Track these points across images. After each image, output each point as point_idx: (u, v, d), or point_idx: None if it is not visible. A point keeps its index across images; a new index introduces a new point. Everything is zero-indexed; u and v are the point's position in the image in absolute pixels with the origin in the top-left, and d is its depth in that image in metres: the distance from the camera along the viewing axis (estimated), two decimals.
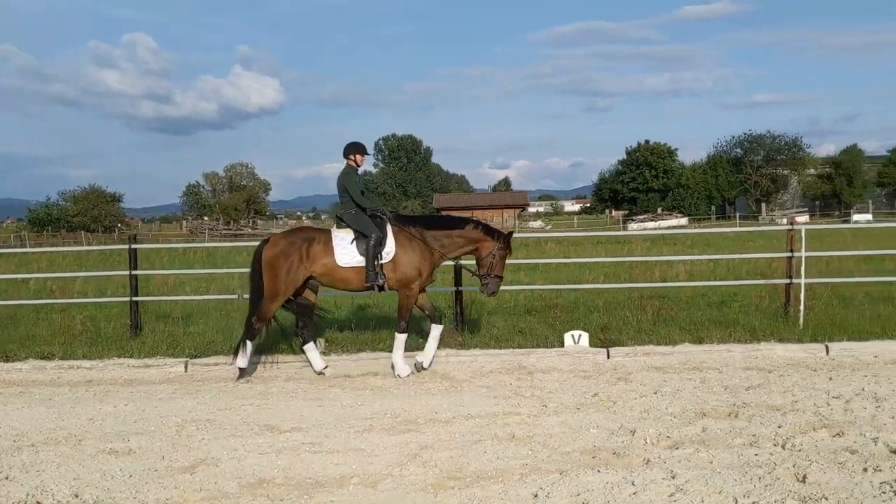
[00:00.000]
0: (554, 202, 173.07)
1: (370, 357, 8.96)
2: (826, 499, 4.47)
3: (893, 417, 6.15)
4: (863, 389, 7.09)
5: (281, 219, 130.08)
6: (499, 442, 5.81)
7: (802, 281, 9.80)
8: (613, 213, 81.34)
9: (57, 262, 25.51)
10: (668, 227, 52.26)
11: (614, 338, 9.39)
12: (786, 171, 76.99)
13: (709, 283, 12.37)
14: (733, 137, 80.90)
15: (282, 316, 9.00)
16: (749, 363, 8.44)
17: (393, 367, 8.37)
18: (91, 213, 72.89)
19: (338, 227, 8.49)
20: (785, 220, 52.73)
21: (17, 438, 6.34)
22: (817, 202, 73.62)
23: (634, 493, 4.68)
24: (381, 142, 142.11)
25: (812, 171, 77.30)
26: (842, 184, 72.98)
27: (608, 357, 8.89)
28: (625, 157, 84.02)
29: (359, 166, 8.67)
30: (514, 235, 8.69)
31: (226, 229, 60.61)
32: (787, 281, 10.03)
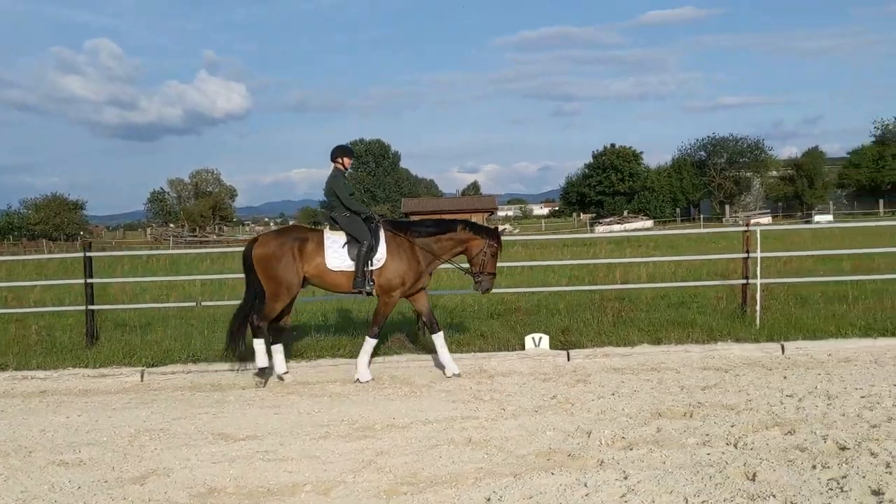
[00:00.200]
0: (523, 206, 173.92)
1: (329, 363, 8.90)
2: (774, 496, 4.52)
3: (844, 415, 6.24)
4: (815, 388, 7.20)
5: (248, 225, 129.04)
6: (455, 446, 5.80)
7: (758, 281, 9.93)
8: (582, 216, 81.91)
9: (16, 270, 25.07)
10: (633, 230, 52.74)
11: (575, 340, 9.44)
12: (748, 174, 78.16)
13: (668, 284, 12.49)
14: (697, 140, 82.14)
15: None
16: (706, 363, 8.52)
17: (356, 368, 8.29)
18: (53, 222, 71.79)
19: (331, 229, 8.43)
20: (749, 221, 53.48)
21: None
22: (780, 203, 74.82)
23: (587, 495, 4.70)
24: (348, 146, 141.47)
25: (774, 173, 78.55)
26: (803, 185, 74.28)
27: (568, 359, 8.92)
28: (591, 161, 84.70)
29: (346, 169, 8.63)
30: None
31: (191, 236, 59.94)
32: (744, 281, 10.15)
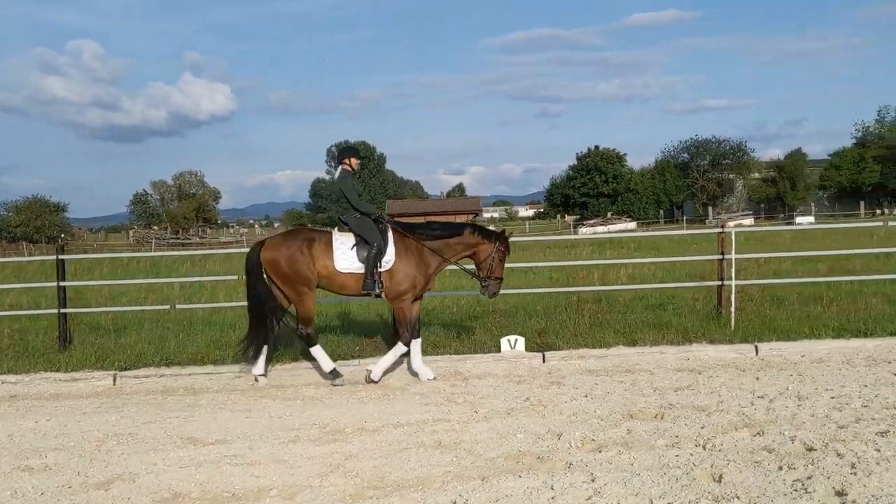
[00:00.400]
0: (508, 207, 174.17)
1: (305, 367, 8.84)
2: (738, 498, 4.52)
3: (813, 416, 6.27)
4: (787, 388, 7.23)
5: (232, 227, 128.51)
6: (424, 450, 5.77)
7: (733, 283, 9.97)
8: (566, 217, 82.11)
9: None
10: (616, 231, 52.95)
11: (551, 342, 9.43)
12: (731, 175, 78.59)
13: (643, 286, 12.50)
14: (680, 143, 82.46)
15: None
16: (680, 365, 8.54)
17: (417, 375, 8.29)
18: (34, 224, 71.09)
19: (339, 231, 8.39)
20: (731, 223, 53.62)
21: None
22: (762, 205, 75.26)
23: (553, 498, 4.69)
24: (333, 148, 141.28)
25: (756, 174, 79.03)
26: (785, 187, 74.75)
27: (544, 361, 8.92)
28: (576, 163, 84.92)
29: (354, 170, 8.57)
30: None
31: (173, 238, 59.60)
32: (719, 283, 10.19)
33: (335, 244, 8.16)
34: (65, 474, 5.60)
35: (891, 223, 13.08)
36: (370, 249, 8.04)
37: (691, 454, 5.40)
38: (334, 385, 8.13)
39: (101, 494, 5.13)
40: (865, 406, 6.50)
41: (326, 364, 8.26)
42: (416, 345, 8.36)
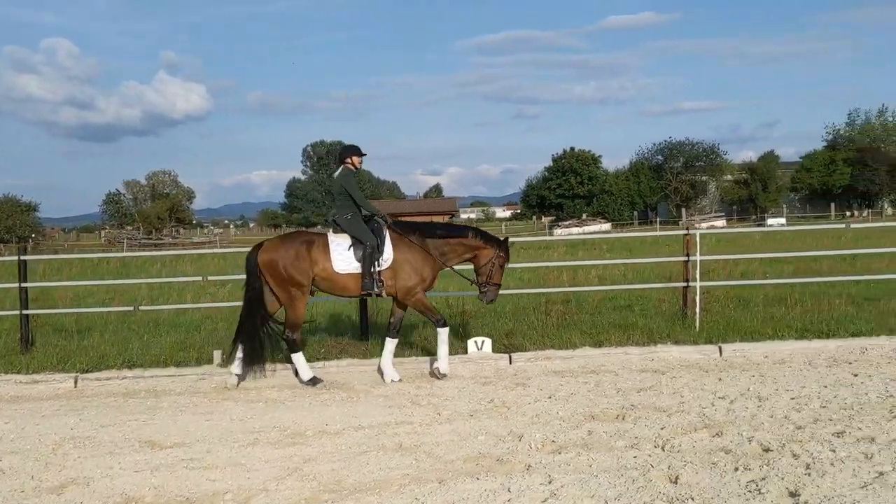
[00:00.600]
0: (485, 208, 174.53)
1: (268, 369, 8.72)
2: (692, 499, 4.54)
3: (772, 416, 6.33)
4: (748, 389, 7.28)
5: (207, 227, 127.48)
6: (384, 452, 5.74)
7: (698, 284, 10.04)
8: (543, 218, 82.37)
9: None
10: (591, 233, 53.24)
11: (518, 343, 9.44)
12: (704, 177, 79.27)
13: (612, 287, 12.57)
14: (654, 145, 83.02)
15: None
16: (645, 365, 8.58)
17: (439, 367, 8.30)
18: (5, 224, 70.06)
19: (334, 232, 8.33)
20: (703, 225, 53.92)
21: None
22: (734, 207, 76.02)
23: (509, 500, 4.68)
24: (309, 148, 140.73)
25: (729, 176, 79.78)
26: (757, 189, 75.51)
27: (510, 363, 8.92)
28: (551, 164, 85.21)
29: (356, 168, 8.54)
30: None
31: (146, 239, 58.96)
32: (684, 284, 10.25)
33: (331, 246, 8.13)
34: (18, 478, 5.50)
35: (853, 225, 13.30)
36: (364, 248, 8.02)
37: (649, 455, 5.42)
38: (317, 389, 8.04)
39: (54, 499, 5.05)
40: (824, 407, 6.57)
41: (305, 373, 8.20)
42: (391, 344, 8.35)
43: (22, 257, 10.07)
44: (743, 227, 54.49)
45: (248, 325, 8.23)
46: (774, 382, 7.53)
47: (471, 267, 8.66)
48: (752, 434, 5.80)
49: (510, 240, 8.72)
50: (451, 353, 9.10)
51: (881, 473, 4.85)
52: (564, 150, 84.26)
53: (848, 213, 68.84)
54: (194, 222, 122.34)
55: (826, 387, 7.27)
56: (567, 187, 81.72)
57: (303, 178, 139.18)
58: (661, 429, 6.07)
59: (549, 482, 4.92)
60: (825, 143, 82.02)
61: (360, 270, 8.04)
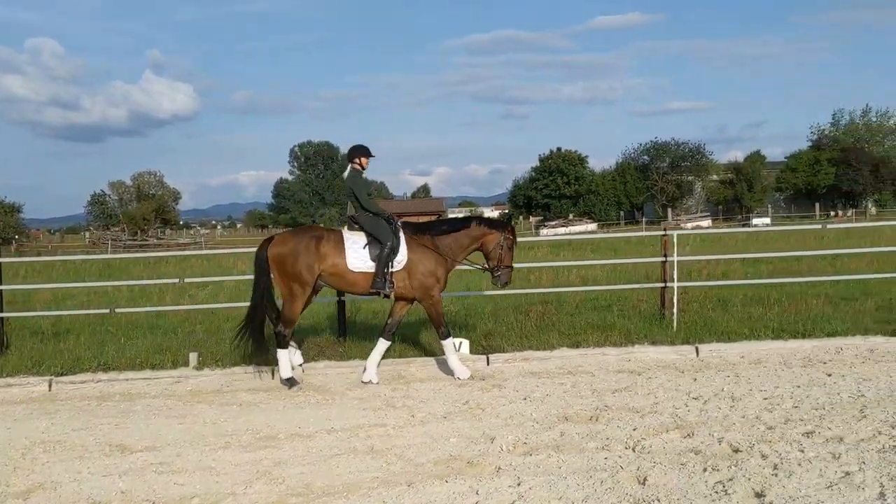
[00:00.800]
0: (473, 208, 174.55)
1: (244, 371, 8.74)
2: (659, 500, 4.55)
3: (744, 417, 6.35)
4: (722, 390, 7.30)
5: (194, 228, 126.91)
6: (355, 455, 5.72)
7: (675, 284, 10.07)
8: (531, 218, 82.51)
9: None
10: (577, 233, 53.37)
11: (496, 344, 9.44)
12: (690, 177, 79.66)
13: (592, 287, 12.54)
14: (640, 145, 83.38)
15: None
16: (621, 366, 8.59)
17: (452, 372, 8.26)
18: None
19: (349, 229, 8.33)
20: (688, 225, 54.14)
21: None
22: (720, 207, 76.38)
23: (477, 503, 4.67)
24: (296, 149, 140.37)
25: (715, 176, 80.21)
26: (743, 189, 75.92)
27: (488, 364, 8.92)
28: (538, 165, 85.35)
29: (364, 169, 8.53)
30: None
31: (130, 240, 58.64)
32: (662, 285, 10.28)
33: (347, 243, 8.11)
34: None
35: (830, 226, 13.40)
36: (382, 249, 8.02)
37: (620, 456, 5.43)
38: (291, 391, 8.02)
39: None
40: (796, 407, 6.60)
41: (285, 371, 8.16)
42: (383, 345, 8.37)
43: None
44: (728, 227, 54.78)
45: (253, 322, 8.25)
46: (749, 383, 7.56)
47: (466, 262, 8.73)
48: (722, 435, 5.81)
49: (516, 224, 8.75)
50: (426, 356, 9.15)
51: (847, 473, 4.87)
52: (551, 151, 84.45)
53: (832, 213, 69.31)
54: (181, 223, 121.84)
55: (799, 387, 7.31)
56: (554, 187, 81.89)
57: (290, 178, 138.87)
58: (633, 430, 6.08)
59: (518, 484, 4.92)
60: (810, 144, 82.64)
61: (373, 269, 8.04)
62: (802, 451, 5.34)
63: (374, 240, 8.09)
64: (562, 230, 58.12)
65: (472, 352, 9.15)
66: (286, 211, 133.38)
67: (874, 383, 7.34)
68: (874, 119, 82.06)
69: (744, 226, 53.87)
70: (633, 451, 5.57)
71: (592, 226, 64.68)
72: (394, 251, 8.08)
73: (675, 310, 9.94)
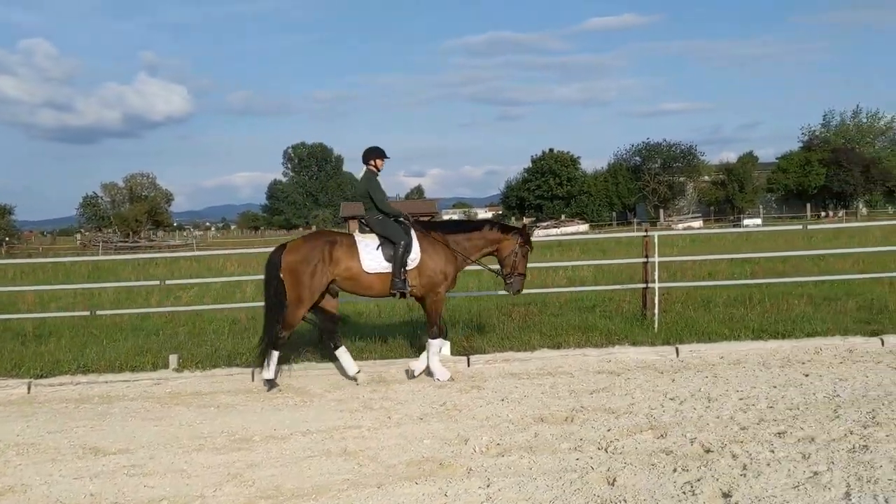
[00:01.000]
0: (467, 210, 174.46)
1: (224, 373, 8.73)
2: (626, 501, 4.57)
3: (718, 417, 6.36)
4: (699, 390, 7.32)
5: (187, 229, 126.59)
6: (328, 457, 5.72)
7: (656, 285, 10.09)
8: (524, 219, 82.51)
9: None
10: (569, 234, 53.40)
11: (477, 345, 9.43)
12: (682, 178, 79.85)
13: (575, 288, 12.53)
14: (632, 146, 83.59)
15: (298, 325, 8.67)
16: (601, 367, 8.60)
17: (431, 373, 8.26)
18: None
19: (361, 232, 8.34)
20: (680, 225, 54.15)
21: None
22: (712, 207, 76.58)
23: None
24: (290, 150, 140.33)
25: (706, 177, 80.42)
26: (734, 190, 76.14)
27: (468, 365, 8.92)
28: (530, 166, 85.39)
29: (379, 170, 8.51)
30: None
31: (121, 242, 58.47)
32: (643, 286, 10.30)
33: (360, 246, 8.11)
34: None
35: (811, 226, 13.47)
36: (396, 248, 8.02)
37: (591, 457, 5.44)
38: (270, 393, 8.00)
39: None
40: (770, 407, 6.62)
41: (270, 372, 8.13)
42: (442, 345, 8.45)
43: None
44: (719, 227, 54.88)
45: (271, 329, 8.17)
46: (726, 383, 7.58)
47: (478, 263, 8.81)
48: (695, 435, 5.83)
49: (533, 232, 8.76)
50: (408, 357, 9.12)
51: (815, 473, 4.90)
52: (543, 152, 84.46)
53: (823, 214, 69.54)
54: (175, 225, 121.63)
55: (776, 387, 7.33)
56: (546, 188, 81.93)
57: (284, 179, 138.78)
58: (608, 430, 6.09)
59: (488, 485, 4.93)
60: (801, 145, 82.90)
61: (388, 270, 8.05)
62: (773, 452, 5.36)
63: (386, 240, 8.11)
64: (553, 231, 58.17)
65: (452, 353, 9.14)
66: (280, 212, 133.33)
67: (850, 383, 7.37)
68: (864, 120, 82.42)
69: (735, 226, 53.98)
70: (606, 451, 5.58)
71: (584, 227, 64.74)
72: (407, 249, 8.09)
73: (656, 310, 9.96)
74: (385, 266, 8.05)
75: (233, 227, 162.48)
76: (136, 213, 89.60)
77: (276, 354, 8.16)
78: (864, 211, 73.05)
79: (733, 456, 5.30)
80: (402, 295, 8.21)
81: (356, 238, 8.23)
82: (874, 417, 6.12)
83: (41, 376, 8.82)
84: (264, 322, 8.33)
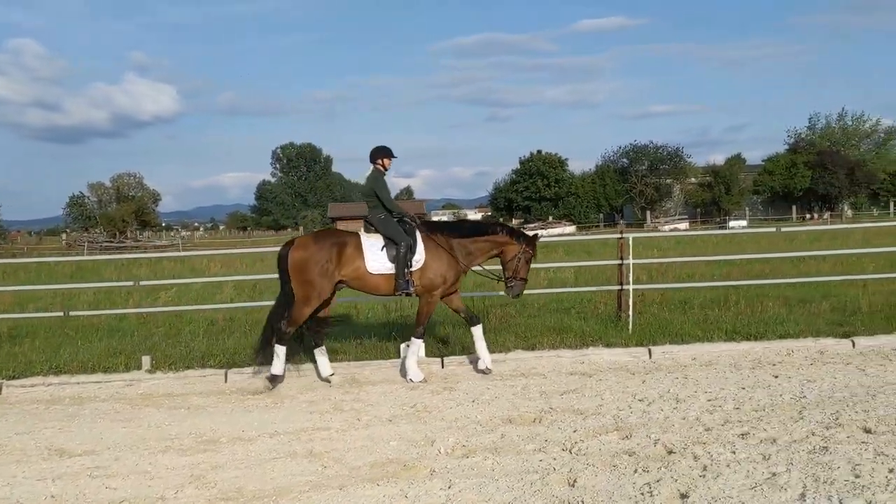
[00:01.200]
0: (456, 211, 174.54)
1: (198, 374, 8.71)
2: (583, 502, 4.59)
3: (685, 418, 6.40)
4: (668, 391, 7.36)
5: (175, 229, 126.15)
6: (293, 459, 5.72)
7: (631, 287, 10.14)
8: (512, 221, 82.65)
9: None
10: (556, 235, 53.53)
11: (452, 347, 9.45)
12: (669, 180, 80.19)
13: (552, 290, 12.54)
14: (620, 148, 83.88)
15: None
16: (574, 368, 8.63)
17: (405, 373, 8.28)
18: None
19: (366, 232, 8.34)
20: (666, 227, 54.41)
21: None
22: (698, 209, 76.95)
23: None
24: (278, 150, 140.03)
25: (693, 179, 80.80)
26: (720, 192, 76.53)
27: (442, 367, 8.93)
28: (519, 167, 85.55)
29: (386, 170, 8.53)
30: None
31: (107, 242, 58.18)
32: (619, 287, 10.35)
33: (365, 246, 8.13)
34: None
35: (783, 229, 13.60)
36: (398, 249, 8.03)
37: (555, 458, 5.47)
38: (265, 389, 8.06)
39: None
40: (737, 408, 6.66)
41: (278, 368, 8.15)
42: (478, 330, 8.45)
43: None
44: (705, 229, 55.14)
45: (276, 323, 8.18)
46: (696, 384, 7.62)
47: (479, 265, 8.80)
48: (659, 436, 5.86)
49: (540, 239, 8.80)
50: (382, 358, 9.14)
51: (774, 474, 4.94)
52: (532, 153, 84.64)
53: (808, 216, 69.98)
54: (163, 225, 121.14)
55: (744, 388, 7.37)
56: (534, 190, 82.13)
57: (272, 180, 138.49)
58: (574, 432, 6.12)
59: (449, 487, 4.95)
60: (787, 147, 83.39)
61: (392, 271, 8.06)
62: (734, 453, 5.40)
63: (389, 241, 8.13)
64: (542, 232, 58.34)
65: (426, 354, 9.15)
66: (268, 213, 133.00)
67: (818, 385, 7.42)
68: (850, 123, 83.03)
69: (721, 228, 54.26)
70: (570, 452, 5.61)
71: (571, 228, 64.93)
72: (411, 250, 8.10)
73: (630, 312, 10.00)
74: (389, 266, 8.09)
75: (221, 227, 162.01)
76: (122, 213, 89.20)
77: (283, 350, 8.16)
78: (849, 213, 73.55)
79: (695, 457, 5.34)
80: (409, 294, 8.25)
81: (362, 238, 8.26)
82: (837, 419, 6.17)
83: (13, 377, 8.77)
84: (269, 316, 8.36)
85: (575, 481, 4.96)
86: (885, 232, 25.77)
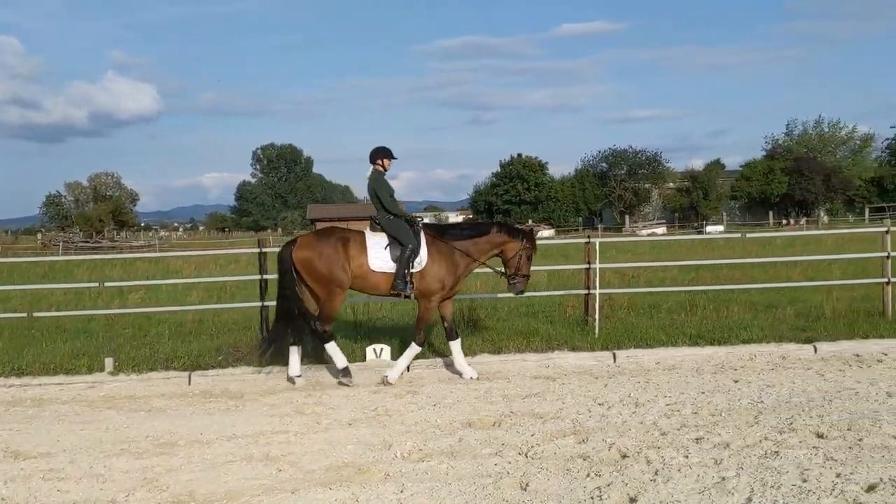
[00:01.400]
0: (438, 213, 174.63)
1: (161, 376, 8.66)
2: None
3: (642, 423, 6.45)
4: (629, 395, 7.42)
5: (154, 230, 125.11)
6: (249, 462, 5.70)
7: (597, 291, 10.21)
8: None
9: None
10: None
11: (421, 351, 9.43)
12: (647, 185, 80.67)
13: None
14: (599, 152, 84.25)
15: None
16: (539, 372, 8.68)
17: (392, 371, 8.37)
18: None
19: (371, 230, 8.35)
20: (644, 231, 54.76)
21: None
22: (676, 214, 77.46)
23: None
24: (259, 151, 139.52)
25: (671, 184, 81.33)
26: (698, 197, 77.05)
27: (408, 370, 8.91)
28: (499, 170, 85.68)
29: (386, 170, 8.55)
30: None
31: (83, 242, 57.64)
32: (585, 292, 10.41)
33: (369, 244, 8.17)
34: None
35: (749, 235, 13.78)
36: (404, 250, 8.07)
37: (509, 462, 5.50)
38: (341, 384, 8.18)
39: None
40: (695, 413, 6.73)
41: (340, 361, 8.25)
42: (456, 345, 8.50)
43: None
44: (681, 234, 55.57)
45: (283, 325, 8.28)
46: (657, 389, 7.68)
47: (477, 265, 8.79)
48: (615, 440, 5.91)
49: (538, 234, 8.85)
50: (349, 361, 9.09)
51: (723, 479, 5.00)
52: (512, 157, 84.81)
53: (785, 222, 70.67)
54: (142, 225, 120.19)
55: (704, 393, 7.45)
56: (514, 193, 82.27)
57: (252, 181, 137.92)
58: (531, 435, 6.15)
59: (401, 491, 4.96)
60: (764, 153, 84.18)
61: (394, 270, 8.08)
62: (687, 457, 5.46)
63: (395, 241, 8.17)
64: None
65: (393, 358, 9.15)
66: (248, 213, 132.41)
67: (776, 390, 7.51)
68: (826, 129, 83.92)
69: (698, 233, 54.67)
70: (526, 456, 5.64)
71: (550, 231, 65.14)
72: (415, 253, 8.14)
73: (597, 316, 10.07)
74: (391, 266, 8.14)
75: (201, 227, 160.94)
76: (99, 212, 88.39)
77: (333, 344, 8.27)
78: (825, 219, 74.36)
79: (647, 461, 5.39)
80: (406, 296, 8.29)
81: (366, 235, 8.31)
82: (791, 424, 6.26)
83: None
84: (275, 318, 8.42)
85: (527, 485, 5.00)
86: (858, 238, 26.11)
